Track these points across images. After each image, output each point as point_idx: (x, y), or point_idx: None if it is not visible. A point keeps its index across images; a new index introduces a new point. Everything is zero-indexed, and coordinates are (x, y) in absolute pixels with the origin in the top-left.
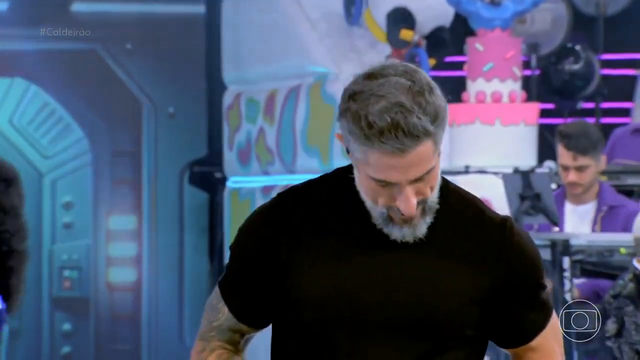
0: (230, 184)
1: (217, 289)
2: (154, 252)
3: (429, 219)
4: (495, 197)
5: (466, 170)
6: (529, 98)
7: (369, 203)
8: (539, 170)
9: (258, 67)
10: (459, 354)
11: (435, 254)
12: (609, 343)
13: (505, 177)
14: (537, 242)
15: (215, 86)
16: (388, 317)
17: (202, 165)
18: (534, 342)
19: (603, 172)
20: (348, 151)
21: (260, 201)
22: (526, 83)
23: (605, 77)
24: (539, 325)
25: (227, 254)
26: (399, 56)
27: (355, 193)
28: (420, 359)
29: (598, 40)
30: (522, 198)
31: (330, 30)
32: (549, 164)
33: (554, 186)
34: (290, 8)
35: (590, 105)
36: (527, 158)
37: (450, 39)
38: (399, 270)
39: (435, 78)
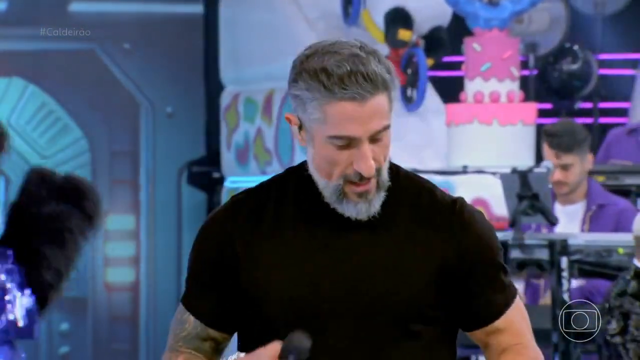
0: (228, 183)
1: (180, 305)
2: (152, 252)
3: (382, 195)
4: (493, 197)
5: (464, 170)
6: (527, 98)
7: (322, 183)
8: (537, 170)
9: (256, 67)
10: (426, 340)
11: (390, 237)
12: (614, 340)
13: (503, 177)
14: (534, 242)
15: (213, 86)
16: (348, 304)
17: (200, 165)
18: (500, 323)
19: (601, 172)
20: (300, 128)
21: None
22: (524, 83)
23: (603, 77)
24: (500, 305)
25: None
26: (396, 56)
27: (308, 186)
28: (387, 344)
29: (596, 40)
30: (520, 198)
31: (328, 30)
32: (546, 164)
33: (551, 186)
34: (288, 8)
35: (588, 105)
36: (525, 158)
37: (448, 39)
38: (356, 256)
39: (433, 78)
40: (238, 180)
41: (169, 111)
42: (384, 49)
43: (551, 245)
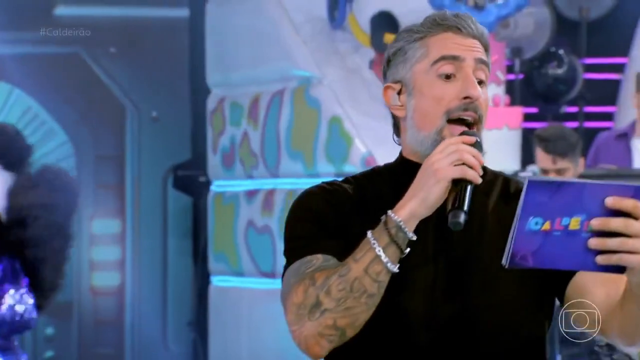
0: (214, 187)
1: (290, 266)
2: (137, 256)
3: (482, 156)
4: None
5: None
6: (513, 102)
7: (421, 137)
8: (522, 175)
9: (242, 71)
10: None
11: (483, 226)
12: (602, 350)
13: None
14: None
15: (199, 90)
16: (453, 262)
17: (186, 169)
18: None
19: (588, 176)
20: (399, 91)
21: (244, 205)
22: (510, 87)
23: (588, 81)
24: None
25: (211, 258)
26: (382, 60)
27: (403, 161)
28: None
29: (581, 45)
30: None
31: (314, 34)
32: (532, 168)
33: None
34: (273, 12)
35: (573, 109)
36: (510, 162)
37: None
38: (460, 253)
39: None
40: (224, 184)
41: (155, 115)
42: (369, 53)
43: None
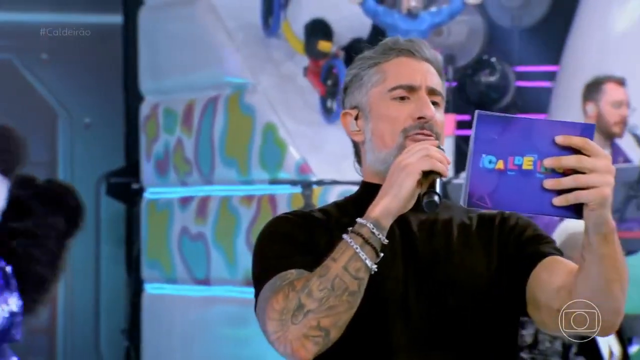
0: (148, 194)
1: (266, 285)
2: (70, 263)
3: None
4: None
5: None
6: (446, 110)
7: (382, 156)
8: (455, 181)
9: (175, 78)
10: (492, 318)
11: (449, 233)
12: (523, 355)
13: None
14: None
15: (132, 96)
16: (421, 287)
17: (119, 176)
18: (549, 259)
19: None
20: (357, 116)
21: (178, 212)
22: None
23: (520, 89)
24: (549, 249)
25: (144, 265)
26: (316, 67)
27: (367, 193)
28: (460, 324)
29: (513, 53)
30: None
31: (248, 40)
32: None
33: None
34: (207, 18)
35: None
36: None
37: None
38: (422, 244)
39: None
40: (158, 191)
41: (87, 122)
42: (304, 60)
43: None
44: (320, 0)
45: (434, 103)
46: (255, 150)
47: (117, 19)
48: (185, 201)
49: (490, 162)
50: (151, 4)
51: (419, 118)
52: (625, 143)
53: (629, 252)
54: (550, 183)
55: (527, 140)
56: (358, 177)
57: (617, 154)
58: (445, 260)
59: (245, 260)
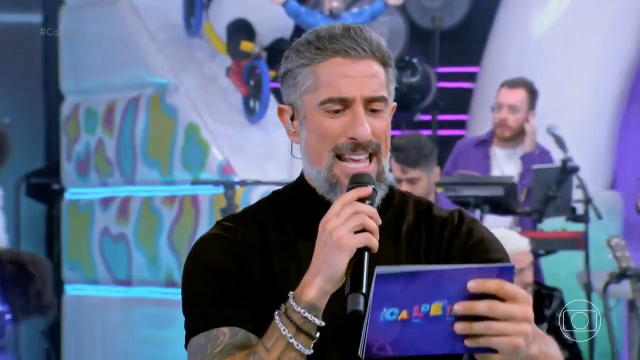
0: (69, 195)
1: (195, 337)
2: None
3: (383, 188)
4: None
5: None
6: None
7: (315, 172)
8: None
9: (96, 78)
10: None
11: (391, 242)
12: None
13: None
14: None
15: (53, 96)
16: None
17: (40, 176)
18: None
19: (438, 184)
20: (293, 118)
21: (99, 213)
22: None
23: (441, 90)
24: None
25: (65, 266)
26: (239, 68)
27: (305, 193)
28: None
29: (435, 54)
30: None
31: (170, 40)
32: (388, 176)
33: None
34: (128, 18)
35: (427, 117)
36: None
37: None
38: None
39: (275, 90)
40: (78, 192)
41: (7, 121)
42: (226, 61)
43: None
44: (242, 0)
45: (374, 110)
46: (177, 150)
47: (37, 18)
48: (106, 202)
49: (392, 314)
50: (72, 3)
51: (351, 138)
52: (547, 143)
53: (548, 251)
54: (460, 327)
55: (435, 288)
56: (281, 178)
57: (535, 157)
58: None
59: (168, 261)
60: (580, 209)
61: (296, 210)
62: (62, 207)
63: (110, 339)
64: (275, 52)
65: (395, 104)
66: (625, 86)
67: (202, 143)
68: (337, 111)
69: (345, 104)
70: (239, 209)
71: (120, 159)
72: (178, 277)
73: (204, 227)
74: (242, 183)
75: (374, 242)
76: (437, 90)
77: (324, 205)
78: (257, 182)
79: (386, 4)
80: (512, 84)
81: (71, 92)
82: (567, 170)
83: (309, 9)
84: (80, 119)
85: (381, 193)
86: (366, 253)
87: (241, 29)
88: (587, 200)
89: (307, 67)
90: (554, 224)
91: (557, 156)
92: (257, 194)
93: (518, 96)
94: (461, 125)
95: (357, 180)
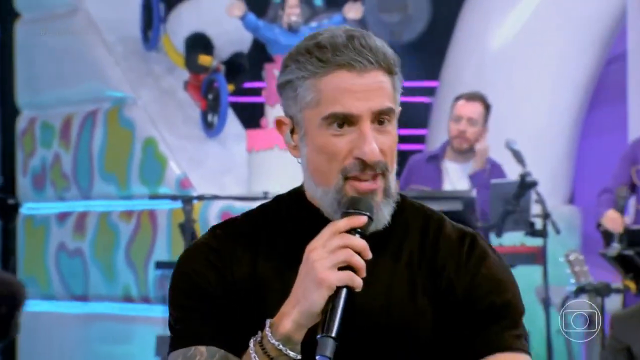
0: (24, 210)
1: (173, 353)
2: None
3: (391, 204)
4: None
5: (265, 197)
6: None
7: (320, 193)
8: None
9: (53, 91)
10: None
11: (394, 264)
12: None
13: None
14: None
15: (8, 110)
16: (352, 331)
17: None
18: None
19: None
20: (293, 132)
21: (55, 228)
22: None
23: (400, 104)
24: (505, 342)
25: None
26: (197, 81)
27: (303, 206)
28: None
29: None
30: None
31: (127, 54)
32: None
33: None
34: (85, 31)
35: None
36: (281, 183)
37: (249, 65)
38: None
39: (233, 104)
40: (34, 206)
41: None
42: (184, 74)
43: None
44: (200, 14)
45: (381, 122)
46: (135, 165)
47: None
48: (62, 217)
49: None
50: (28, 17)
51: (359, 158)
52: (505, 158)
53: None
54: None
55: None
56: (239, 192)
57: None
58: (384, 315)
59: (125, 276)
60: (538, 223)
61: (293, 226)
62: (17, 222)
63: (66, 355)
64: (234, 66)
65: (400, 108)
66: (583, 100)
67: (160, 157)
68: (341, 125)
69: (350, 120)
70: (197, 224)
71: (77, 173)
72: (135, 292)
73: (162, 242)
74: (201, 197)
75: (357, 281)
76: None
77: (324, 225)
78: (216, 197)
79: (345, 18)
80: (470, 97)
81: (27, 106)
82: (526, 185)
83: (267, 23)
84: (37, 133)
85: (389, 209)
86: (344, 292)
87: (199, 43)
88: (546, 215)
89: (309, 79)
90: (512, 239)
91: (516, 171)
92: (215, 209)
93: (476, 110)
94: (420, 139)
95: (355, 206)
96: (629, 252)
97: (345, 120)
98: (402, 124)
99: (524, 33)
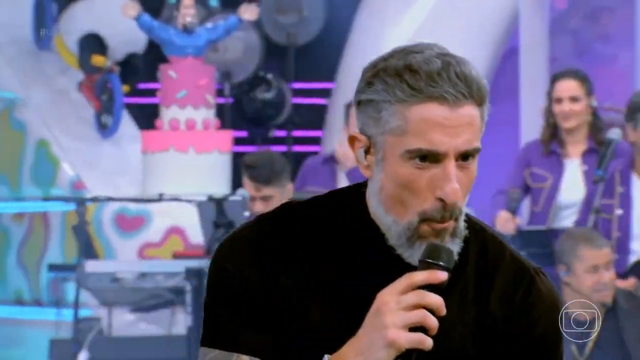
0: None
1: (211, 350)
2: None
3: (458, 243)
4: (190, 226)
5: (160, 198)
6: (223, 126)
7: (388, 221)
8: (232, 198)
9: None
10: None
11: (451, 296)
12: None
13: (200, 205)
14: None
15: None
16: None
17: None
18: None
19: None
20: (367, 151)
21: None
22: (220, 111)
23: (296, 106)
24: None
25: None
26: (91, 82)
27: (365, 223)
28: None
29: (289, 69)
30: (216, 226)
31: (19, 54)
32: (242, 191)
33: (247, 214)
34: None
35: (282, 133)
36: (220, 186)
37: (144, 66)
38: None
39: (128, 105)
40: None
41: None
42: (77, 75)
43: None
44: (94, 14)
45: (465, 158)
46: (26, 166)
47: None
48: None
49: None
50: None
51: (439, 199)
52: None
53: None
54: None
55: None
56: (134, 194)
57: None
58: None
59: (16, 280)
60: None
61: (353, 242)
62: None
63: None
64: (129, 66)
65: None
66: None
67: (53, 159)
68: (423, 159)
69: (435, 157)
70: (91, 226)
71: None
72: (27, 295)
73: (55, 244)
74: (95, 199)
75: (427, 343)
76: (292, 106)
77: (388, 253)
78: (110, 198)
79: (240, 19)
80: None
81: None
82: None
83: (162, 24)
84: None
85: (456, 248)
86: (414, 356)
87: (93, 43)
88: None
89: (395, 105)
90: None
91: None
92: (109, 210)
93: None
94: (316, 141)
95: (434, 257)
96: (522, 254)
97: (429, 155)
98: (297, 126)
99: (420, 33)
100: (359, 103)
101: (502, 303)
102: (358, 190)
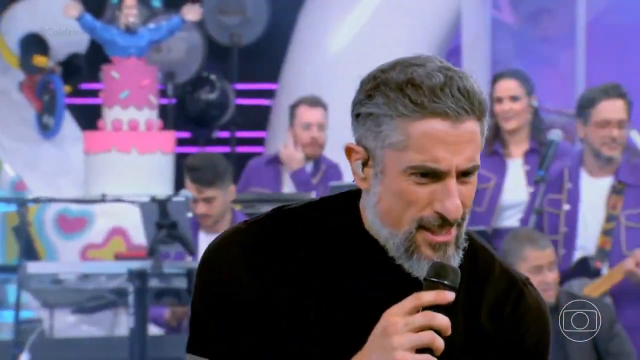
0: None
1: (196, 358)
2: None
3: (459, 255)
4: (132, 227)
5: (103, 199)
6: (166, 126)
7: (385, 233)
8: (175, 199)
9: None
10: None
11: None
12: None
13: (142, 206)
14: (173, 270)
15: None
16: None
17: None
18: None
19: (238, 201)
20: (365, 163)
21: None
22: (163, 111)
23: (240, 107)
24: None
25: None
26: (32, 82)
27: (360, 232)
28: None
29: (233, 70)
30: (159, 227)
31: None
32: (185, 192)
33: (190, 215)
34: None
35: (225, 134)
36: (163, 187)
37: (86, 66)
38: None
39: (70, 105)
40: None
41: None
42: (18, 75)
43: (189, 273)
44: (35, 14)
45: (466, 174)
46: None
47: None
48: None
49: None
50: None
51: (439, 213)
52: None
53: None
54: None
55: None
56: (76, 195)
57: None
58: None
59: None
60: None
61: (347, 251)
62: None
63: None
64: (71, 67)
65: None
66: None
67: None
68: (424, 175)
69: (437, 173)
70: (32, 227)
71: None
72: None
73: None
74: (36, 200)
75: None
76: (235, 107)
77: (382, 255)
78: (52, 199)
79: (183, 19)
80: (312, 102)
81: None
82: None
83: (104, 24)
84: None
85: (457, 259)
86: None
87: (34, 43)
88: None
89: (397, 119)
90: None
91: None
92: (51, 211)
93: (321, 115)
94: (260, 142)
95: (441, 275)
96: None
97: (430, 172)
98: (241, 127)
99: (363, 35)
100: (357, 115)
101: (492, 314)
102: (350, 198)
